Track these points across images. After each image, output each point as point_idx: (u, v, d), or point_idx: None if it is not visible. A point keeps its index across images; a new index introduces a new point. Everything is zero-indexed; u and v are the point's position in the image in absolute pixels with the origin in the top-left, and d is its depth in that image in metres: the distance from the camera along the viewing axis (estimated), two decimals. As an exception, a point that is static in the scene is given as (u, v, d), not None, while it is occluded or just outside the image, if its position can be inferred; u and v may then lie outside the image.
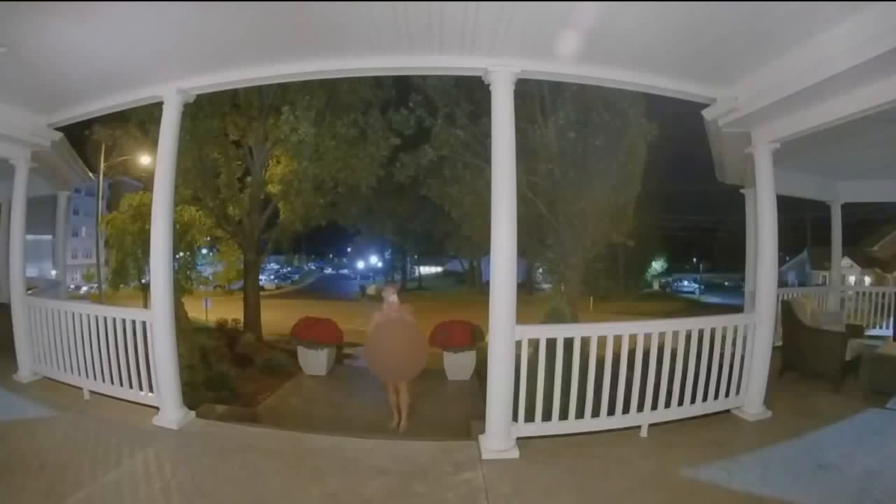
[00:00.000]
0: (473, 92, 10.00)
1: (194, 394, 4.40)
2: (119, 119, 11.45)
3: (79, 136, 9.50)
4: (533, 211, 10.53)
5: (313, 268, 66.33)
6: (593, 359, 3.16)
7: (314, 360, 6.81)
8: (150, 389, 3.54)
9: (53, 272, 9.93)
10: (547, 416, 3.14)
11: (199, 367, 5.28)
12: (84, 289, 28.28)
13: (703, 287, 43.04)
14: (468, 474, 2.77)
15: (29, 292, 4.77)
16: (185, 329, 4.76)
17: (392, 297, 4.50)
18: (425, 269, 50.17)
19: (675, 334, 3.34)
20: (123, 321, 3.62)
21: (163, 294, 3.40)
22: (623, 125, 9.76)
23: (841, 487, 2.65)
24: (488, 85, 3.14)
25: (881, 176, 6.01)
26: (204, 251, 18.78)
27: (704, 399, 3.45)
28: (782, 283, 14.70)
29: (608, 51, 3.00)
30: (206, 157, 11.05)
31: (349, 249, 58.99)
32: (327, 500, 2.52)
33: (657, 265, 43.17)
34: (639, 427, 3.28)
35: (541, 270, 27.23)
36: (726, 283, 42.67)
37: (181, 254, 13.96)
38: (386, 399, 4.83)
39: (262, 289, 20.12)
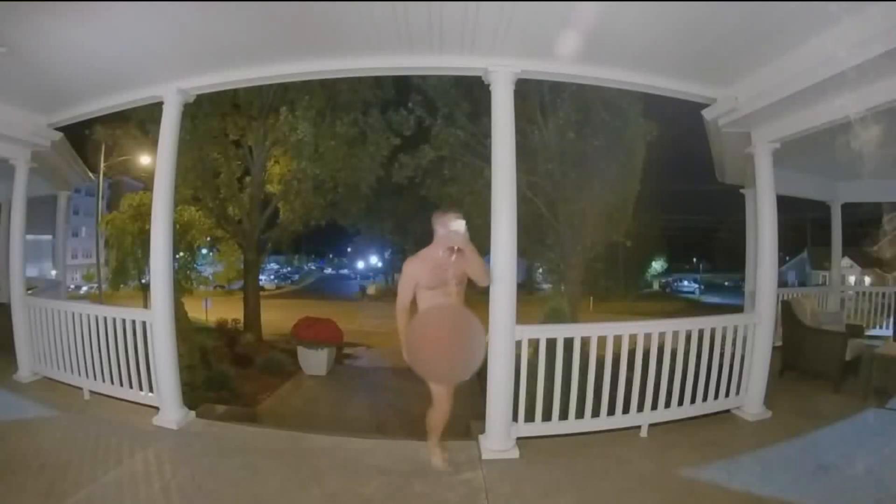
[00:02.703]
0: (473, 91, 10.00)
1: (194, 394, 4.40)
2: (119, 119, 11.46)
3: (79, 135, 9.49)
4: (533, 211, 10.54)
5: (313, 268, 66.33)
6: (593, 359, 3.16)
7: (314, 360, 6.82)
8: (150, 389, 3.54)
9: (53, 272, 9.94)
10: (547, 416, 3.14)
11: (199, 367, 5.28)
12: (84, 289, 28.29)
13: (703, 287, 43.08)
14: (468, 474, 2.78)
15: (29, 292, 4.77)
16: (185, 329, 4.76)
17: (457, 225, 2.54)
18: (425, 269, 50.02)
19: (675, 334, 3.34)
20: (123, 321, 3.62)
21: (163, 294, 3.40)
22: (622, 125, 9.77)
23: (841, 487, 2.65)
24: (488, 85, 3.14)
25: (881, 176, 6.00)
26: (204, 251, 18.77)
27: (704, 399, 3.45)
28: (782, 283, 14.70)
29: (608, 51, 3.00)
30: (206, 157, 11.06)
31: (349, 249, 58.99)
32: (327, 500, 2.52)
33: (657, 265, 43.17)
34: (639, 427, 3.28)
35: (541, 270, 27.22)
36: (726, 283, 42.69)
37: (181, 254, 13.97)
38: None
39: (262, 289, 20.14)
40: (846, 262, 24.93)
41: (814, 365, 4.44)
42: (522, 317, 3.07)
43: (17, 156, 4.20)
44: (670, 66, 3.20)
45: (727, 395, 3.54)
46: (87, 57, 3.08)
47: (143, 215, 13.03)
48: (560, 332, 3.22)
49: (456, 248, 2.59)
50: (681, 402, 3.38)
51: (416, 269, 2.66)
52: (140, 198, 13.91)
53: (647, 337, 3.29)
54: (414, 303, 2.73)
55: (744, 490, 2.60)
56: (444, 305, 2.62)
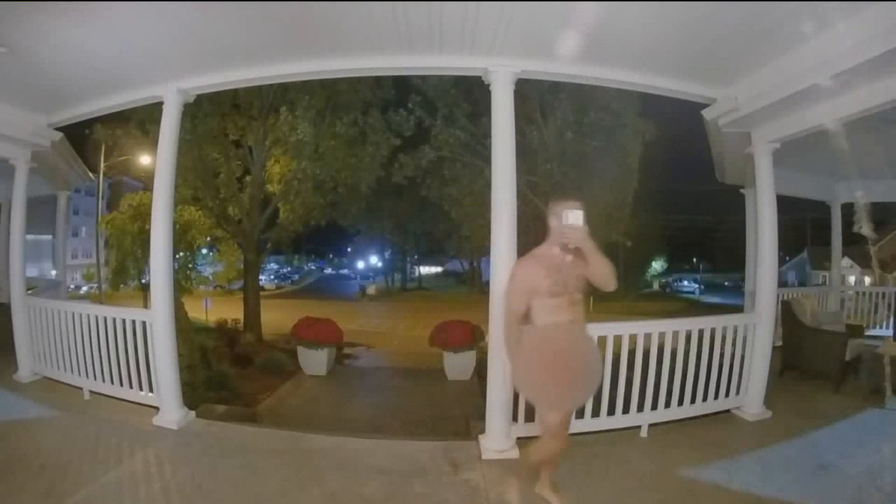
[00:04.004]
0: (473, 92, 10.01)
1: (194, 394, 4.40)
2: (119, 119, 11.45)
3: (79, 135, 9.49)
4: (533, 211, 10.54)
5: (313, 268, 66.34)
6: (593, 359, 3.16)
7: (314, 360, 6.81)
8: (150, 389, 3.54)
9: (53, 272, 9.93)
10: (547, 416, 3.14)
11: (199, 367, 5.28)
12: (84, 289, 28.28)
13: (703, 287, 43.05)
14: (468, 474, 2.78)
15: (29, 292, 4.77)
16: (185, 329, 4.77)
17: (573, 218, 2.08)
18: (425, 269, 50.22)
19: (675, 334, 3.34)
20: (123, 321, 3.62)
21: (163, 294, 3.41)
22: (622, 125, 9.79)
23: (841, 487, 2.65)
24: (488, 85, 3.15)
25: (881, 176, 6.00)
26: (204, 251, 18.77)
27: (704, 399, 3.45)
28: (782, 283, 14.72)
29: (608, 51, 3.00)
30: (206, 157, 11.07)
31: (349, 249, 59.06)
32: (327, 500, 2.52)
33: (657, 265, 43.18)
34: (639, 427, 3.28)
35: (541, 270, 27.14)
36: (726, 283, 42.68)
37: (181, 254, 13.97)
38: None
39: (262, 289, 20.15)
40: (846, 262, 24.93)
41: (814, 365, 4.44)
42: (522, 317, 3.07)
43: (17, 156, 4.20)
44: (670, 66, 3.20)
45: (727, 395, 3.54)
46: (87, 57, 3.08)
47: (143, 215, 13.01)
48: (560, 332, 3.22)
49: (572, 246, 2.12)
50: (681, 402, 3.38)
51: (531, 273, 2.15)
52: (140, 198, 13.89)
53: (647, 337, 3.29)
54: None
55: (744, 490, 2.60)
56: (562, 325, 2.17)
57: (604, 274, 2.15)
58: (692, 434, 3.28)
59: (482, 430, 3.12)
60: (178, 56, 3.16)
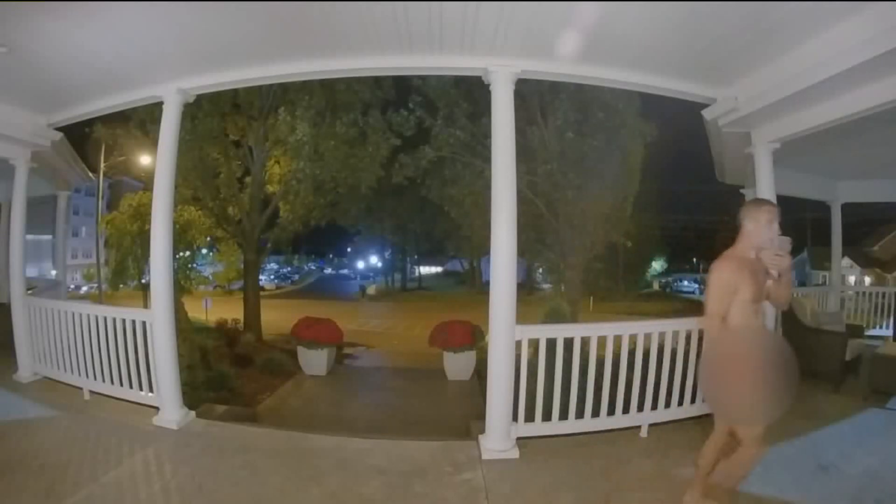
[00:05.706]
0: (473, 92, 10.02)
1: (194, 394, 4.39)
2: (119, 119, 11.46)
3: (79, 135, 9.49)
4: (533, 211, 10.55)
5: (313, 268, 66.41)
6: (593, 359, 3.16)
7: (314, 360, 6.82)
8: (150, 389, 3.54)
9: (53, 272, 9.94)
10: (547, 416, 3.14)
11: (199, 367, 5.27)
12: (84, 289, 28.29)
13: (703, 287, 42.99)
14: (468, 474, 2.77)
15: (29, 292, 4.77)
16: (185, 329, 4.76)
17: (785, 245, 2.16)
18: (425, 269, 50.25)
19: (675, 334, 3.34)
20: (123, 321, 3.62)
21: (163, 294, 3.41)
22: (622, 125, 9.79)
23: (841, 487, 2.65)
24: (488, 85, 3.15)
25: (881, 176, 6.00)
26: (204, 251, 18.79)
27: (704, 399, 3.44)
28: (782, 283, 14.62)
29: (608, 51, 3.00)
30: (206, 157, 11.08)
31: (349, 249, 59.08)
32: (327, 500, 2.52)
33: (657, 265, 43.19)
34: (639, 427, 3.28)
35: (541, 270, 27.25)
36: (726, 283, 42.55)
37: (181, 254, 13.98)
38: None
39: (262, 289, 20.18)
40: (846, 262, 24.95)
41: (814, 365, 4.43)
42: (522, 317, 3.07)
43: (17, 156, 4.20)
44: (670, 66, 3.20)
45: (727, 394, 3.53)
46: (87, 57, 3.08)
47: (143, 215, 13.06)
48: (560, 332, 3.22)
49: (775, 272, 2.15)
50: (681, 402, 3.38)
51: (735, 274, 2.10)
52: (140, 198, 13.93)
53: (647, 337, 3.29)
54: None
55: (744, 490, 2.59)
56: (761, 328, 2.13)
57: (787, 297, 2.27)
58: (692, 434, 3.28)
59: (482, 430, 3.12)
60: (178, 56, 3.16)
